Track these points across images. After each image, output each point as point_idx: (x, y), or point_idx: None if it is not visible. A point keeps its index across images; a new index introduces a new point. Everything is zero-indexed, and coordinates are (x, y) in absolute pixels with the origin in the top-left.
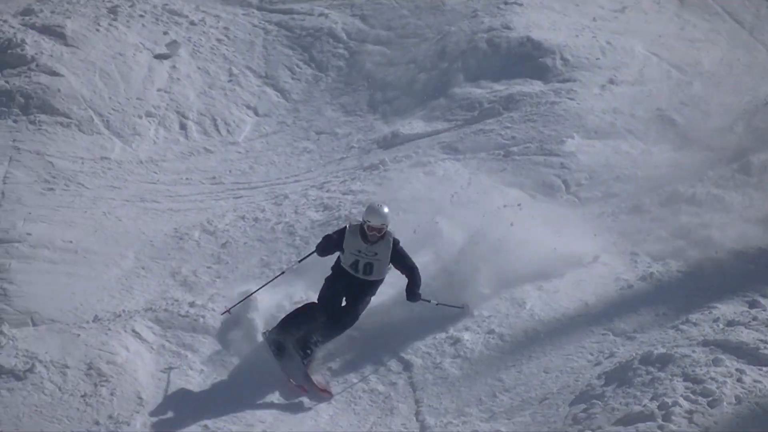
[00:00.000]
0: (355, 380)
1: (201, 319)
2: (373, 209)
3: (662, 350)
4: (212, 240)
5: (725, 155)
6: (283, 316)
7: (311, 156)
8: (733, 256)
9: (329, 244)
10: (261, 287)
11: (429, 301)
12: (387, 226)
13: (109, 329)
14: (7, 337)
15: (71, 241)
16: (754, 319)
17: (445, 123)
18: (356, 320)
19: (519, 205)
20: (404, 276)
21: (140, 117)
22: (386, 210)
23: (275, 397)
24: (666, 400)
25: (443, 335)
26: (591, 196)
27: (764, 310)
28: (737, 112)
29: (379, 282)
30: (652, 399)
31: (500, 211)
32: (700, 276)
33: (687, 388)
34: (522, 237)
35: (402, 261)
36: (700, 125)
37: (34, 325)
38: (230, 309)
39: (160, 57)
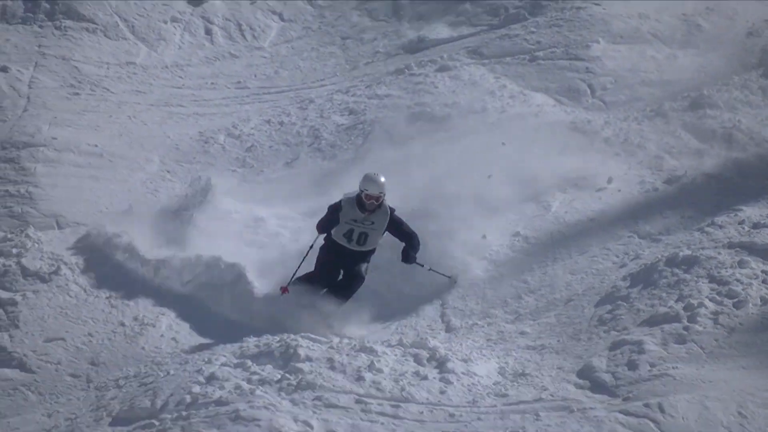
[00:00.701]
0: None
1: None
2: (370, 178)
3: (688, 252)
4: (237, 144)
5: (750, 60)
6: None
7: (337, 61)
8: (758, 159)
9: (325, 222)
10: (301, 261)
11: (422, 266)
12: (384, 195)
13: None
14: (32, 240)
15: (96, 145)
16: None
17: (471, 28)
18: (363, 281)
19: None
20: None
21: (165, 22)
22: (383, 179)
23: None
24: (691, 301)
25: (468, 236)
26: (616, 101)
27: None
28: (762, 17)
29: (372, 252)
30: (677, 300)
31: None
32: (726, 178)
33: (712, 289)
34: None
35: (399, 228)
36: (726, 30)
37: (59, 228)
38: (287, 287)
39: None
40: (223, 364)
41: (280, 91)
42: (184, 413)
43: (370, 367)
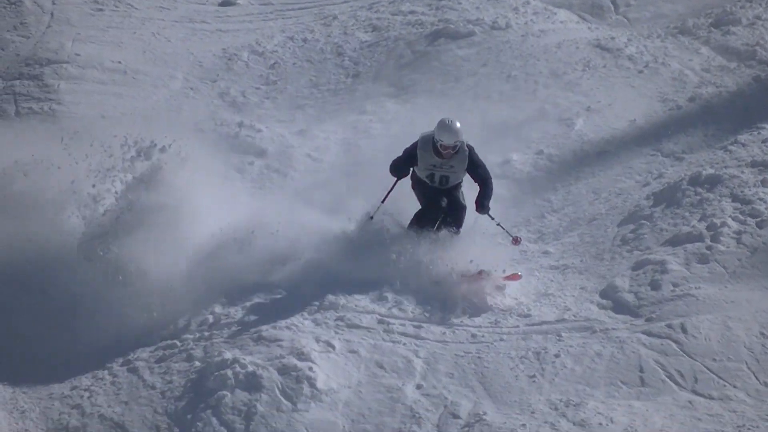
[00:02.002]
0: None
1: (249, 140)
2: (444, 127)
3: (711, 171)
4: (261, 61)
5: None
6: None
7: None
8: None
9: (401, 164)
10: (387, 193)
11: (492, 218)
12: (460, 141)
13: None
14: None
15: (120, 62)
16: None
17: None
18: (465, 209)
19: None
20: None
21: None
22: (458, 125)
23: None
24: (714, 220)
25: (491, 157)
26: (640, 17)
27: None
28: None
29: (460, 184)
30: (700, 220)
31: None
32: (749, 96)
33: (735, 208)
34: None
35: (476, 170)
36: None
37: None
38: (372, 215)
39: None
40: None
41: (303, 7)
42: (206, 333)
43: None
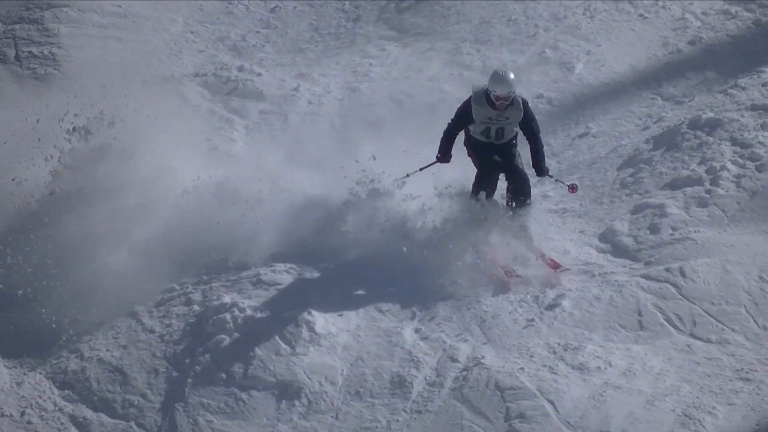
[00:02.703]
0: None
1: (249, 83)
2: (498, 78)
3: (711, 114)
4: (261, 5)
5: None
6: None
7: None
8: None
9: (454, 131)
10: (415, 172)
11: (551, 176)
12: (515, 92)
13: (158, 93)
14: None
15: (120, 6)
16: None
17: None
18: (528, 179)
19: None
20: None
21: None
22: (512, 76)
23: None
24: (714, 164)
25: None
26: None
27: None
28: None
29: (515, 137)
30: (700, 163)
31: None
32: (750, 40)
33: (735, 152)
34: None
35: (529, 124)
36: None
37: (82, 90)
38: (404, 178)
39: None
40: None
41: None
42: (205, 278)
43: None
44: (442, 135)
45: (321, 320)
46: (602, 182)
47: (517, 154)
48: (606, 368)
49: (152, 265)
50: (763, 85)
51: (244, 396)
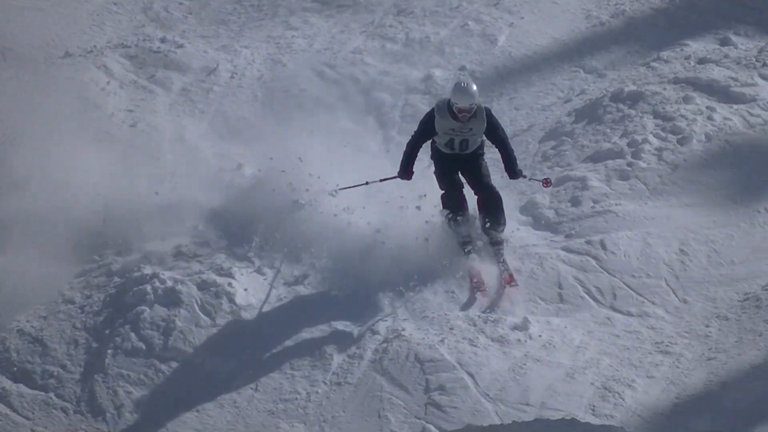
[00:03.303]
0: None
1: (172, 55)
2: (461, 89)
3: (633, 87)
4: None
5: None
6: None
7: None
8: None
9: (417, 144)
10: (374, 182)
11: (525, 177)
12: (477, 104)
13: (80, 64)
14: None
15: None
16: (726, 56)
17: None
18: (499, 195)
19: None
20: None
21: None
22: (474, 87)
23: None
24: (636, 137)
25: (415, 72)
26: None
27: (736, 48)
28: None
29: (481, 146)
30: (621, 136)
31: None
32: (672, 13)
33: (657, 125)
34: None
35: (495, 132)
36: None
37: (5, 61)
38: (338, 190)
39: None
40: None
41: None
42: (125, 249)
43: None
44: (405, 148)
45: (241, 292)
46: (524, 155)
47: (484, 165)
48: (526, 341)
49: (73, 238)
50: (686, 58)
51: (164, 367)
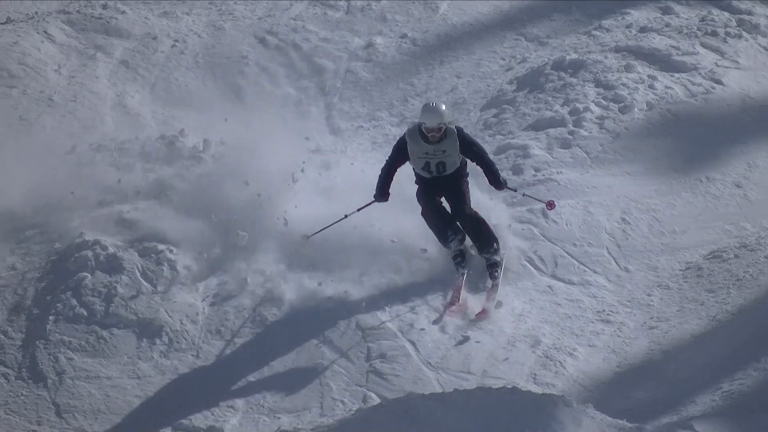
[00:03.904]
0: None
1: (114, 21)
2: (428, 109)
3: (574, 56)
4: None
5: None
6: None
7: None
8: None
9: (392, 168)
10: (352, 213)
11: (515, 191)
12: (446, 124)
13: (21, 30)
14: None
15: None
16: (667, 25)
17: None
18: (482, 220)
19: None
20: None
21: None
22: (443, 107)
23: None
24: (577, 105)
25: (357, 40)
26: None
27: (677, 17)
28: None
29: (463, 168)
30: (563, 105)
31: None
32: None
33: (598, 94)
34: None
35: (470, 149)
36: None
37: None
38: (312, 235)
39: None
40: None
41: None
42: (67, 215)
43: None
44: (380, 171)
45: (182, 259)
46: (465, 123)
47: (465, 190)
48: (467, 309)
49: (13, 204)
50: (627, 26)
51: (105, 334)
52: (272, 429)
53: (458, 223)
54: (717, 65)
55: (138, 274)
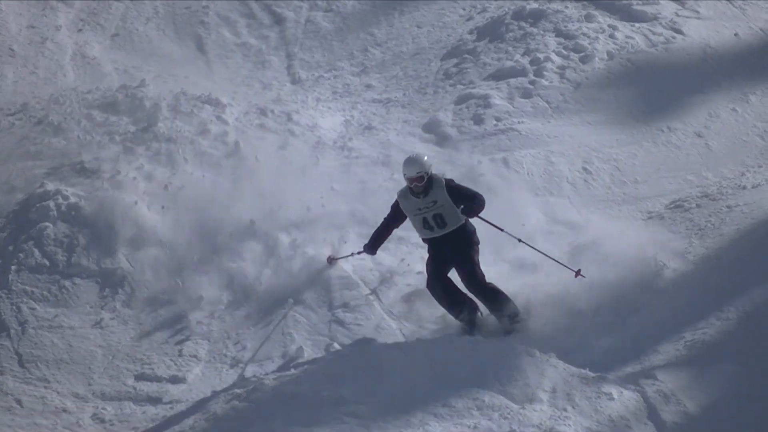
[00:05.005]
0: (229, 35)
1: None
2: (406, 160)
3: (535, 5)
4: None
5: None
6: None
7: None
8: None
9: (387, 227)
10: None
11: (500, 228)
12: (427, 173)
13: None
14: None
15: None
16: None
17: None
18: (480, 275)
19: None
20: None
21: None
22: (423, 157)
23: None
24: (538, 55)
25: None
26: None
27: None
28: None
29: (465, 225)
30: (524, 54)
31: None
32: None
33: (559, 43)
34: None
35: (460, 195)
36: None
37: None
38: (336, 259)
39: None
40: None
41: None
42: (29, 164)
43: (217, 119)
44: (372, 235)
45: (144, 210)
46: (426, 73)
47: (475, 256)
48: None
49: None
50: None
51: (67, 284)
52: (235, 379)
53: (470, 294)
54: (677, 15)
55: (100, 223)
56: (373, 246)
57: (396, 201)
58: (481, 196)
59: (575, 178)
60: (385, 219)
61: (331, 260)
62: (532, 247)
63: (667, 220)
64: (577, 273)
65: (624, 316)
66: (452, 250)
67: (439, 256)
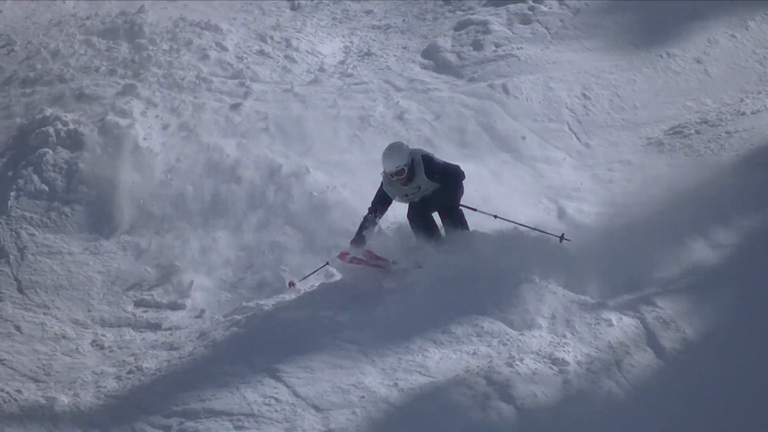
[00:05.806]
0: None
1: None
2: (384, 156)
3: None
4: None
5: None
6: None
7: None
8: None
9: (376, 209)
10: (320, 268)
11: (474, 209)
12: (407, 164)
13: None
14: None
15: None
16: None
17: None
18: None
19: None
20: None
21: None
22: (399, 149)
23: None
24: None
25: None
26: None
27: None
28: None
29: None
30: None
31: None
32: None
33: None
34: None
35: (433, 176)
36: None
37: None
38: (297, 282)
39: None
40: None
41: None
42: (27, 90)
43: (217, 45)
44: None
45: (143, 134)
46: None
47: (457, 207)
48: None
49: None
50: None
51: (66, 210)
52: (234, 306)
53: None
54: None
55: (99, 149)
56: (357, 240)
57: (381, 186)
58: (456, 175)
59: (574, 104)
60: (371, 206)
61: (293, 285)
62: (509, 220)
63: (666, 146)
64: (561, 238)
65: (623, 241)
66: (436, 203)
67: (422, 210)
